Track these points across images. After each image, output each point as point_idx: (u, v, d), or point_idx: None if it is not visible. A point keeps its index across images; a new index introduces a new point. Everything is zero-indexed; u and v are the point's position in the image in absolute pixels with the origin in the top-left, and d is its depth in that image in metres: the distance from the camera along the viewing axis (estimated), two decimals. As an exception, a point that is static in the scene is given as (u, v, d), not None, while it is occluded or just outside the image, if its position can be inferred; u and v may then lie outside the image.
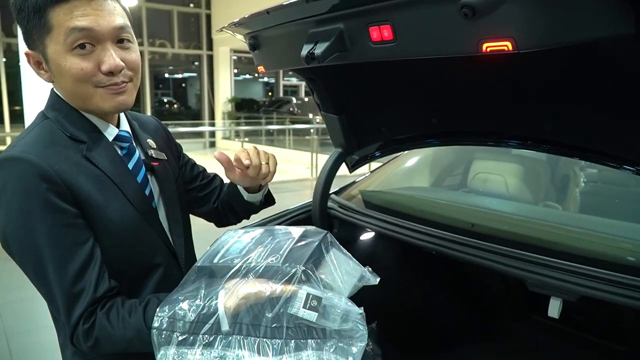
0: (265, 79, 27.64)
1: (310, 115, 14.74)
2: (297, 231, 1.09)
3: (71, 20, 0.99)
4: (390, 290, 2.09)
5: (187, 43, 17.40)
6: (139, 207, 1.12)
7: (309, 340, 0.95)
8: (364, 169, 2.37)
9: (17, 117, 12.41)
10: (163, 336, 0.97)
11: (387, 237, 1.76)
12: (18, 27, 1.06)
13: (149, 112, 16.33)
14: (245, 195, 1.38)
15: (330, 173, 1.94)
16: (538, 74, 1.27)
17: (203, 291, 1.00)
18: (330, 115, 1.85)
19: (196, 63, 18.55)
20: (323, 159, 9.09)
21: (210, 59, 17.17)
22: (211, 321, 0.96)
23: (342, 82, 1.73)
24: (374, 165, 2.83)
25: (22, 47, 1.11)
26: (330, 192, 2.08)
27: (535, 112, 1.36)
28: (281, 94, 21.42)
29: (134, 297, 1.09)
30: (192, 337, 0.96)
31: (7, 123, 13.13)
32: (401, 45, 0.99)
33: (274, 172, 1.28)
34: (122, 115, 1.20)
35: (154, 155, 1.24)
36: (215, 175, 1.50)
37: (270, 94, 23.53)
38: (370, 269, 1.07)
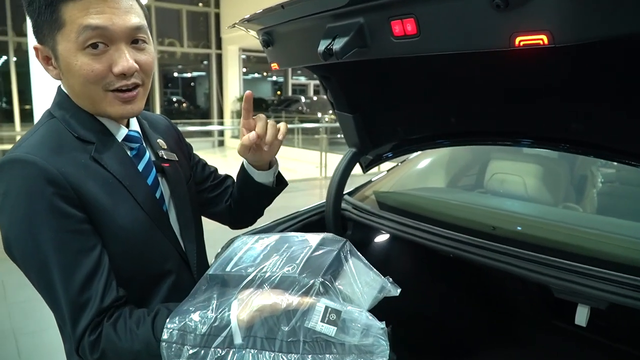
0: (274, 78, 27.62)
1: (319, 115, 14.70)
2: (314, 239, 1.03)
3: (85, 17, 0.94)
4: (405, 294, 2.04)
5: (196, 42, 17.40)
6: (149, 211, 1.07)
7: (327, 356, 0.90)
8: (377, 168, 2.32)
9: (27, 115, 12.48)
10: (173, 349, 0.93)
11: (402, 240, 1.71)
12: (28, 19, 1.01)
13: (158, 111, 16.37)
14: (256, 175, 1.30)
15: (344, 173, 1.89)
16: (566, 70, 1.21)
17: (215, 302, 0.95)
18: (345, 114, 1.80)
19: (205, 62, 18.55)
20: (332, 158, 9.06)
21: (219, 58, 17.17)
22: (224, 334, 0.91)
23: (357, 80, 1.68)
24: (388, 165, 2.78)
25: (32, 45, 1.06)
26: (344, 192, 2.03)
27: (561, 111, 1.30)
28: (290, 93, 21.39)
29: (144, 305, 1.04)
30: (203, 351, 0.91)
31: (17, 122, 13.21)
32: (426, 40, 0.93)
33: (284, 131, 1.22)
34: None
35: (164, 156, 1.19)
36: (227, 176, 1.45)
37: (279, 92, 23.53)
38: (391, 279, 1.02)
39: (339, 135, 10.90)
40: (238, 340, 0.91)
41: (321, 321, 0.88)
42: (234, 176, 1.40)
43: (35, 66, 6.30)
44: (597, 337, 1.56)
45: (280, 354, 0.90)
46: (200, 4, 17.40)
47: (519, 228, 1.62)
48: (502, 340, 1.89)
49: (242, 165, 1.32)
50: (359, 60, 1.10)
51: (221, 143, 17.07)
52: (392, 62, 1.12)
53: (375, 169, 2.17)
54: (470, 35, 0.87)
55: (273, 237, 1.08)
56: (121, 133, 1.09)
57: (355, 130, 1.82)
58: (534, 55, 0.83)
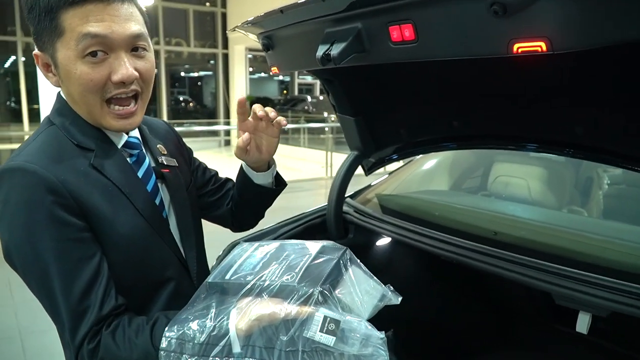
0: (281, 78, 27.64)
1: (325, 114, 14.68)
2: (314, 247, 1.02)
3: (84, 25, 0.94)
4: (407, 298, 2.03)
5: (203, 42, 17.43)
6: (149, 218, 1.07)
7: None
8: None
9: (35, 115, 12.56)
10: (171, 358, 0.92)
11: (403, 244, 1.70)
12: (29, 22, 1.00)
13: (165, 111, 16.41)
14: (255, 177, 1.30)
15: (345, 177, 1.88)
16: (569, 74, 1.20)
17: (214, 310, 0.94)
18: (347, 117, 1.79)
19: (212, 62, 18.58)
20: (338, 157, 9.05)
21: (226, 57, 17.19)
22: (222, 343, 0.90)
23: (359, 83, 1.68)
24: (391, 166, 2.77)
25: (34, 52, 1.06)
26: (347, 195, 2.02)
27: (565, 115, 1.28)
28: (296, 93, 21.40)
29: (145, 312, 1.04)
30: None
31: (25, 121, 13.29)
32: (424, 46, 0.92)
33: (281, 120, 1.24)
34: None
35: (164, 162, 1.18)
36: (228, 179, 1.44)
37: (285, 92, 23.54)
38: (392, 287, 1.01)
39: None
40: (237, 349, 0.90)
41: (320, 331, 0.87)
42: (235, 178, 1.39)
43: (42, 66, 6.32)
44: (600, 341, 1.54)
45: None
46: (208, 4, 17.43)
47: (521, 233, 1.60)
48: (504, 345, 1.87)
49: (241, 167, 1.32)
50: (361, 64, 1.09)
51: (227, 142, 17.09)
52: (394, 65, 1.11)
53: (381, 169, 2.16)
54: (468, 42, 0.86)
55: (273, 245, 1.08)
56: (121, 140, 1.09)
57: (357, 133, 1.81)
58: (537, 59, 0.81)
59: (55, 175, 0.95)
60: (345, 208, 1.95)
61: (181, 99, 23.02)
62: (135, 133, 1.14)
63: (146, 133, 1.19)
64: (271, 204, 1.41)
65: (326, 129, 10.64)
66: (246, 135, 1.19)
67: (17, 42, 13.30)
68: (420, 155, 2.39)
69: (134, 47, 1.00)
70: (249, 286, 0.94)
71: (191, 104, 22.82)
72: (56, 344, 1.08)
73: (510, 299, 1.85)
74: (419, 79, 1.53)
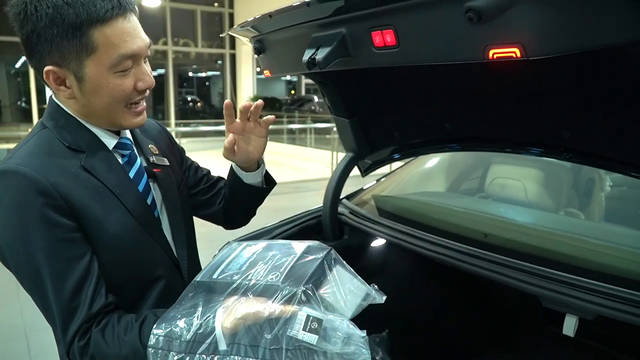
0: (288, 78, 27.67)
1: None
2: (299, 247, 1.04)
3: (122, 46, 0.98)
4: (402, 299, 2.03)
5: (211, 42, 17.51)
6: (139, 217, 1.09)
7: None
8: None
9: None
10: (159, 355, 0.94)
11: (398, 246, 1.71)
12: (36, 37, 0.96)
13: (172, 111, 16.50)
14: (244, 177, 1.32)
15: (341, 178, 1.89)
16: (556, 78, 1.20)
17: (201, 309, 0.96)
18: (342, 119, 1.81)
19: (219, 62, 18.66)
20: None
21: (233, 57, 17.26)
22: (208, 340, 0.92)
23: (353, 86, 1.69)
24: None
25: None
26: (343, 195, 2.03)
27: (553, 119, 1.29)
28: (303, 93, 21.40)
29: (136, 310, 1.06)
30: (188, 357, 0.93)
31: (35, 121, 13.43)
32: (404, 51, 0.94)
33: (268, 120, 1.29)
34: None
35: (156, 161, 1.21)
36: (220, 178, 1.46)
37: (293, 92, 23.56)
38: (376, 286, 1.02)
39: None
40: (222, 346, 0.92)
41: (303, 330, 0.89)
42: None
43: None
44: (593, 343, 1.54)
45: None
46: (216, 4, 17.50)
47: (511, 236, 1.61)
48: (499, 346, 1.88)
49: (231, 167, 1.35)
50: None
51: (235, 142, 17.15)
52: (387, 68, 1.12)
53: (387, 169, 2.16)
54: (447, 48, 0.87)
55: (260, 245, 1.09)
56: (112, 141, 1.11)
57: (353, 135, 1.83)
58: (524, 63, 0.82)
59: (46, 177, 0.97)
60: (340, 209, 1.96)
61: (189, 99, 23.13)
62: (127, 134, 1.17)
63: (137, 134, 1.22)
64: (262, 202, 1.43)
65: (333, 129, 10.66)
66: (231, 136, 1.23)
67: (26, 42, 13.42)
68: (418, 157, 2.40)
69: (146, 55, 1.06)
70: (235, 285, 0.96)
71: (199, 104, 22.92)
72: (59, 342, 1.10)
73: (505, 300, 1.86)
74: (411, 82, 1.54)
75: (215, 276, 1.01)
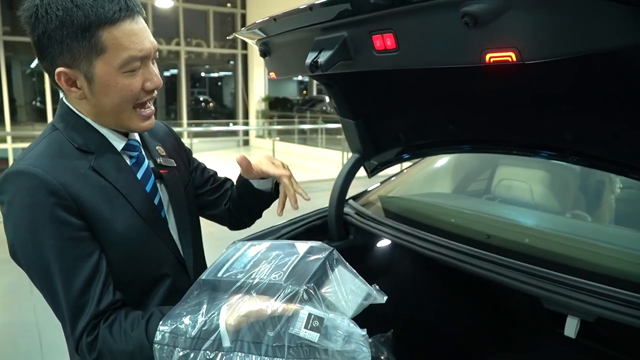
0: (300, 77, 27.70)
1: (343, 115, 14.61)
2: (302, 247, 1.06)
3: (130, 47, 1.00)
4: (407, 300, 2.04)
5: (223, 42, 17.60)
6: (146, 217, 1.12)
7: None
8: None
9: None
10: (164, 351, 0.97)
11: (403, 247, 1.72)
12: (47, 39, 0.99)
13: (185, 111, 16.61)
14: (255, 182, 1.36)
15: (346, 179, 1.91)
16: (558, 81, 1.21)
17: (205, 306, 0.98)
18: (347, 120, 1.82)
19: (231, 62, 18.75)
20: (353, 159, 9.08)
21: (245, 58, 17.34)
22: (212, 337, 0.95)
23: (358, 87, 1.70)
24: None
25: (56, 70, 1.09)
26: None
27: (555, 121, 1.29)
28: (315, 93, 21.42)
29: (142, 307, 1.09)
30: (193, 353, 0.95)
31: (50, 121, 13.58)
32: (404, 55, 0.96)
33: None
34: None
35: (163, 162, 1.23)
36: (227, 179, 1.49)
37: (304, 92, 23.60)
38: (377, 287, 1.04)
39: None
40: (226, 343, 0.94)
41: (304, 327, 0.91)
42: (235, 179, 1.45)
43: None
44: (596, 345, 1.54)
45: (266, 358, 0.93)
46: (229, 5, 17.59)
47: (515, 237, 1.62)
48: (504, 347, 1.88)
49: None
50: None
51: (246, 142, 17.24)
52: (392, 70, 1.14)
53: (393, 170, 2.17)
54: (444, 52, 0.89)
55: (264, 245, 1.12)
56: (121, 143, 1.14)
57: (358, 136, 1.84)
58: (524, 66, 0.84)
59: (56, 178, 1.00)
60: (346, 210, 1.98)
61: (201, 99, 23.25)
62: (135, 136, 1.20)
63: (145, 135, 1.24)
64: (269, 207, 1.45)
65: (344, 129, 10.64)
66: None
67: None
68: (425, 158, 2.40)
69: (154, 56, 1.08)
70: (239, 284, 0.98)
71: (211, 104, 23.04)
72: (70, 339, 1.13)
73: (509, 301, 1.86)
74: (415, 84, 1.55)
75: (220, 275, 1.03)
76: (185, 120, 16.31)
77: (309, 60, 1.10)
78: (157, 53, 1.09)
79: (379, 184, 2.33)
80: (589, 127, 1.23)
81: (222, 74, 23.33)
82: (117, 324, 1.01)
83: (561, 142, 1.29)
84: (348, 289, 1.01)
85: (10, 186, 1.01)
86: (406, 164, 2.37)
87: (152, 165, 1.21)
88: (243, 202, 1.41)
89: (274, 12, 1.30)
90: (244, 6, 17.12)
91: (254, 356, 0.93)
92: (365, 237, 1.94)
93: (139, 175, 1.16)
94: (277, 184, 1.40)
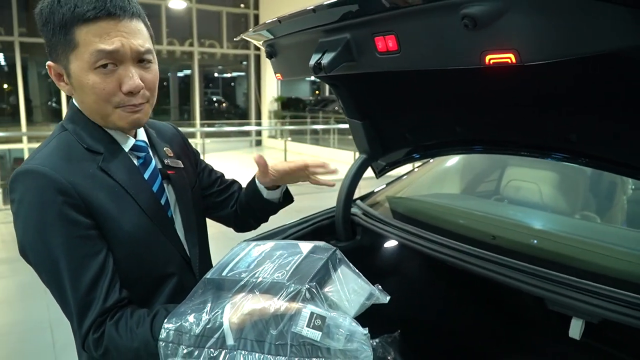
0: (312, 78, 27.62)
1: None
2: (306, 247, 1.07)
3: (98, 42, 1.01)
4: (414, 300, 2.05)
5: (236, 43, 17.67)
6: (153, 217, 1.14)
7: (313, 359, 0.94)
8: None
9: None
10: (169, 348, 0.98)
11: (410, 248, 1.72)
12: (42, 34, 1.07)
13: (198, 111, 16.72)
14: (265, 193, 1.39)
15: (353, 179, 1.91)
16: (563, 81, 1.20)
17: (210, 304, 0.99)
18: (354, 121, 1.83)
19: (244, 62, 18.82)
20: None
21: (258, 58, 17.39)
22: (216, 335, 0.96)
23: (365, 88, 1.71)
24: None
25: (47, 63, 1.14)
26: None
27: (561, 122, 1.29)
28: (327, 93, 21.40)
29: (149, 305, 1.10)
30: (197, 351, 0.96)
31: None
32: (406, 56, 0.96)
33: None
34: None
35: (170, 163, 1.25)
36: (234, 181, 1.51)
37: (317, 92, 23.61)
38: (380, 287, 1.04)
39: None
40: (230, 341, 0.95)
41: (307, 326, 0.92)
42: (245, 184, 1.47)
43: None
44: (602, 346, 1.53)
45: (269, 356, 0.94)
46: (242, 5, 17.66)
47: (521, 238, 1.61)
48: (511, 348, 1.87)
49: (253, 178, 1.41)
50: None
51: (259, 142, 17.30)
52: (397, 71, 1.14)
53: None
54: (445, 53, 0.89)
55: (269, 245, 1.13)
56: (128, 143, 1.16)
57: (365, 136, 1.85)
58: (528, 67, 0.84)
59: (65, 177, 1.02)
60: (353, 210, 1.99)
61: (214, 99, 23.35)
62: (143, 137, 1.21)
63: (153, 137, 1.26)
64: (276, 213, 1.49)
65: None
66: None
67: (57, 44, 13.75)
68: (433, 159, 2.40)
69: (140, 59, 1.08)
70: (242, 283, 0.99)
71: (224, 105, 23.13)
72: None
73: (517, 303, 1.85)
74: (421, 84, 1.55)
75: (224, 274, 1.04)
76: (198, 121, 16.42)
77: (312, 61, 1.11)
78: (147, 56, 1.08)
79: (384, 185, 2.34)
80: (593, 128, 1.23)
81: (235, 74, 23.41)
82: (123, 321, 1.03)
83: (567, 143, 1.29)
84: (351, 289, 1.02)
85: (20, 185, 1.03)
86: (414, 165, 2.37)
87: (159, 166, 1.22)
88: (250, 208, 1.43)
89: (287, 12, 1.31)
90: (256, 7, 17.17)
91: (257, 354, 0.94)
92: (372, 238, 1.94)
93: (146, 175, 1.17)
94: (285, 193, 1.44)
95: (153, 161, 1.21)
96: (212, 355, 0.95)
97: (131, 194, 1.11)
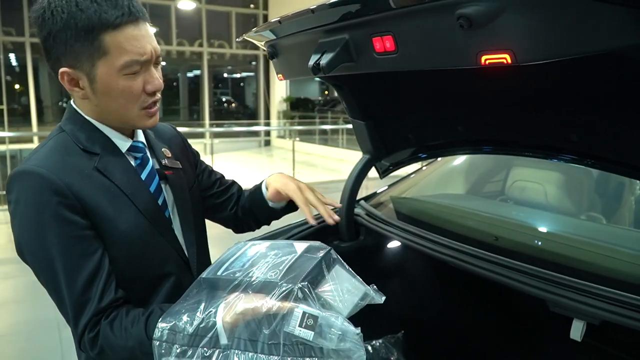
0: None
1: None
2: (300, 246, 1.07)
3: (131, 51, 1.03)
4: (417, 301, 2.04)
5: (245, 43, 17.69)
6: (150, 217, 1.14)
7: (306, 359, 0.94)
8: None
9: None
10: (163, 347, 0.99)
11: (413, 249, 1.72)
12: (52, 39, 1.03)
13: (207, 111, 16.78)
14: (270, 202, 1.41)
15: (357, 180, 1.91)
16: (563, 82, 1.19)
17: (204, 304, 1.00)
18: (358, 121, 1.83)
19: (253, 63, 18.87)
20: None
21: (267, 59, 17.39)
22: (210, 334, 0.96)
23: (368, 89, 1.71)
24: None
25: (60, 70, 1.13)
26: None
27: (560, 122, 1.28)
28: (336, 93, 21.33)
29: (146, 304, 1.11)
30: (191, 350, 0.97)
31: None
32: (403, 57, 0.96)
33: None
34: None
35: (168, 164, 1.26)
36: (233, 182, 1.52)
37: (326, 92, 23.61)
38: (375, 287, 1.04)
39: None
40: (223, 340, 0.96)
41: (299, 326, 0.92)
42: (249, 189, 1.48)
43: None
44: (606, 347, 1.52)
45: (262, 355, 0.94)
46: (252, 6, 17.70)
47: (524, 239, 1.60)
48: (516, 350, 1.86)
49: (260, 187, 1.43)
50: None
51: (267, 143, 17.33)
52: (399, 71, 1.14)
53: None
54: (441, 54, 0.89)
55: (264, 244, 1.13)
56: (126, 144, 1.17)
57: (368, 137, 1.84)
58: (528, 67, 0.83)
59: (61, 177, 1.03)
60: (357, 210, 1.98)
61: (224, 99, 23.43)
62: (140, 137, 1.22)
63: (151, 137, 1.27)
64: (278, 219, 1.51)
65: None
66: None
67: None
68: (437, 160, 2.39)
69: (156, 61, 1.11)
70: (236, 282, 1.00)
71: (233, 105, 23.20)
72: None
73: (520, 303, 1.84)
74: (423, 85, 1.55)
75: (219, 273, 1.05)
76: (207, 121, 16.48)
77: (311, 62, 1.11)
78: (160, 57, 1.11)
79: (386, 186, 2.33)
80: (594, 128, 1.22)
81: (244, 74, 23.47)
82: (118, 321, 1.04)
83: (568, 144, 1.28)
84: (344, 289, 1.02)
85: (16, 186, 1.04)
86: (416, 166, 2.36)
87: (157, 167, 1.23)
88: (252, 213, 1.46)
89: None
90: (265, 7, 17.21)
91: (250, 353, 0.94)
92: (376, 238, 1.94)
93: (143, 175, 1.18)
94: (289, 202, 1.45)
95: (150, 162, 1.21)
96: (205, 354, 0.96)
97: (127, 194, 1.11)
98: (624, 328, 1.13)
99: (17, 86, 15.32)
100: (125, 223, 1.10)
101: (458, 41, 0.84)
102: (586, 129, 1.23)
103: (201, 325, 0.96)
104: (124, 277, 1.09)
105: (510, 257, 1.38)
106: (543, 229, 1.75)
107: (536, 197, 2.08)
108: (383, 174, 2.06)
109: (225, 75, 24.11)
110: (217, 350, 0.96)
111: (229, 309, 0.95)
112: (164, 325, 0.99)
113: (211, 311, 0.98)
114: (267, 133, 17.31)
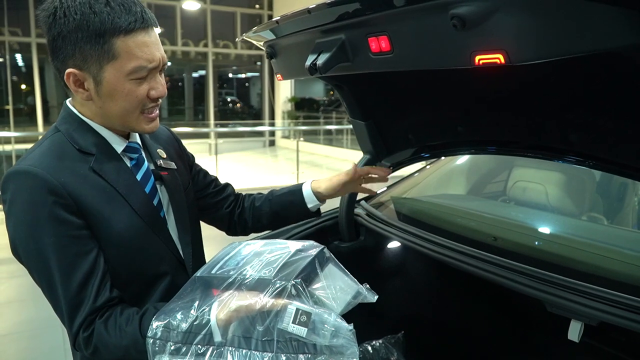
0: (326, 78, 27.56)
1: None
2: (294, 245, 1.08)
3: (140, 57, 1.04)
4: (417, 301, 2.04)
5: (250, 44, 17.66)
6: (145, 217, 1.15)
7: (300, 355, 0.94)
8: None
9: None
10: (157, 345, 0.99)
11: (413, 249, 1.72)
12: (61, 40, 1.03)
13: (212, 111, 16.80)
14: (312, 205, 1.49)
15: (357, 180, 1.91)
16: (562, 82, 1.19)
17: (198, 302, 1.01)
18: (358, 121, 1.83)
19: (258, 63, 18.88)
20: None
21: (270, 58, 17.38)
22: (204, 332, 0.97)
23: (368, 89, 1.71)
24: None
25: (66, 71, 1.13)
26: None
27: (560, 122, 1.28)
28: (340, 94, 21.28)
29: (142, 304, 1.12)
30: (185, 347, 0.98)
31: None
32: (398, 57, 0.96)
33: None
34: None
35: (163, 164, 1.26)
36: (227, 184, 1.54)
37: (331, 92, 23.60)
38: (368, 286, 1.05)
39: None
40: (217, 338, 0.97)
41: (292, 322, 0.93)
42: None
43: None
44: (607, 348, 1.51)
45: (256, 352, 0.95)
46: (257, 6, 17.71)
47: (523, 240, 1.59)
48: (515, 350, 1.86)
49: (301, 189, 1.49)
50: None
51: (272, 143, 17.34)
52: (399, 71, 1.14)
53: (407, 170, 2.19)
54: (436, 54, 0.89)
55: (258, 243, 1.14)
56: (121, 145, 1.17)
57: (369, 137, 1.84)
58: (527, 67, 0.83)
59: (56, 177, 1.04)
60: (357, 211, 1.98)
61: (229, 99, 23.46)
62: (136, 138, 1.23)
63: (146, 138, 1.28)
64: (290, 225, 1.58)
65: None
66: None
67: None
68: (439, 160, 2.39)
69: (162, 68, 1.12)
70: (230, 280, 1.00)
71: (238, 105, 23.23)
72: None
73: (520, 304, 1.84)
74: (423, 85, 1.55)
75: (214, 272, 1.06)
76: (212, 121, 16.50)
77: (308, 62, 1.11)
78: (166, 65, 1.12)
79: (386, 187, 2.33)
80: (593, 129, 1.21)
81: (249, 74, 23.48)
82: (112, 320, 1.05)
83: (567, 144, 1.27)
84: (337, 287, 1.03)
85: (11, 185, 1.04)
86: (416, 166, 2.36)
87: (152, 167, 1.24)
88: (280, 214, 1.52)
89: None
90: (270, 7, 17.21)
91: (244, 350, 0.95)
92: (376, 239, 1.94)
93: (139, 176, 1.18)
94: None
95: (146, 162, 1.22)
96: (199, 351, 0.97)
97: (123, 194, 1.12)
98: (621, 328, 1.13)
99: (23, 86, 15.39)
100: (120, 223, 1.10)
101: (452, 41, 0.84)
102: (585, 130, 1.22)
103: (195, 323, 0.97)
104: (119, 277, 1.10)
105: (510, 258, 1.38)
106: (543, 229, 1.75)
107: (537, 197, 2.07)
108: (384, 174, 2.05)
109: (230, 75, 24.12)
110: (211, 348, 0.97)
111: (223, 307, 0.96)
112: (158, 323, 1.00)
113: (205, 309, 0.98)
114: (272, 133, 17.31)
